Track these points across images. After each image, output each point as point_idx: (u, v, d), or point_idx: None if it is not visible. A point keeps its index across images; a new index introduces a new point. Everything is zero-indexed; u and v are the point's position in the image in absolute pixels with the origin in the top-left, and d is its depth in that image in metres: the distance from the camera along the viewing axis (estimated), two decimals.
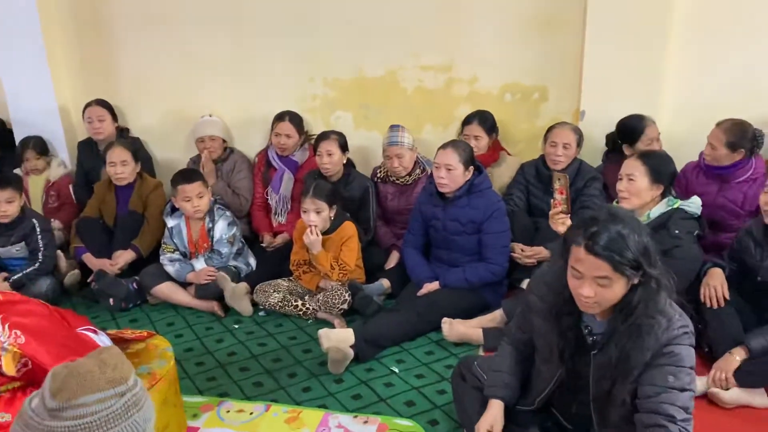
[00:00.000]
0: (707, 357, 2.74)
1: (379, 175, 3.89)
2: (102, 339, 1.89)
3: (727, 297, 2.71)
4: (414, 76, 4.08)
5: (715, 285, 2.73)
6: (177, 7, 4.22)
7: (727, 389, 2.55)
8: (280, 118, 3.99)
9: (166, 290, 3.54)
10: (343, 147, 3.71)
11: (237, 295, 3.41)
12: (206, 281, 3.46)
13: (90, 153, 4.25)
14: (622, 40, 3.61)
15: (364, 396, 2.70)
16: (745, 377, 2.55)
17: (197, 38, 4.24)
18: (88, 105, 4.19)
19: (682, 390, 1.78)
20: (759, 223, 2.77)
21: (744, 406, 2.55)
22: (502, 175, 3.88)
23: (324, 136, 3.72)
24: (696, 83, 3.70)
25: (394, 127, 3.69)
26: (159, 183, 3.94)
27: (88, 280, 3.65)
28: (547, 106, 4.00)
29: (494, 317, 3.11)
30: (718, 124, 3.28)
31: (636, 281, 1.75)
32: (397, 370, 2.88)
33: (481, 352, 2.99)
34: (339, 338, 2.84)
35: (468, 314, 3.15)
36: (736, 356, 2.58)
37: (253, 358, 3.03)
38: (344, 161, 3.73)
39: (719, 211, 3.32)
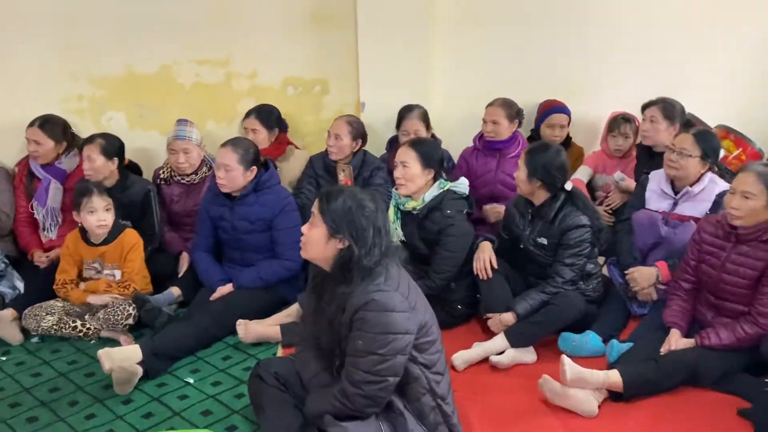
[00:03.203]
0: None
1: (162, 175, 3.67)
2: None
3: (495, 266, 2.98)
4: (190, 71, 3.93)
5: (484, 257, 2.98)
6: None
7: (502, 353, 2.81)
8: (30, 123, 3.59)
9: None
10: (110, 151, 3.41)
11: (1, 322, 3.03)
12: None
13: None
14: (391, 34, 3.80)
15: (157, 413, 2.54)
16: (516, 339, 2.83)
17: None
18: None
19: (369, 353, 1.94)
20: (522, 197, 3.07)
21: (518, 364, 2.82)
22: (291, 169, 3.88)
23: (89, 140, 3.41)
24: (461, 73, 4.01)
25: (181, 122, 3.55)
26: None
27: None
28: (330, 98, 4.08)
29: (290, 312, 3.10)
30: (491, 104, 3.65)
31: (341, 245, 1.99)
32: (192, 381, 2.75)
33: (279, 350, 2.97)
34: (123, 356, 2.65)
35: (265, 313, 3.12)
36: (506, 320, 2.86)
37: (26, 391, 2.70)
38: (113, 166, 3.44)
39: (499, 186, 3.65)
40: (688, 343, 2.61)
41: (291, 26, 3.90)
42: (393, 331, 1.93)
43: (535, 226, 2.98)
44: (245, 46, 3.93)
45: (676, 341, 2.63)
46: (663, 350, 2.62)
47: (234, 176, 3.09)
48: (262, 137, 3.79)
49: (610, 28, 3.97)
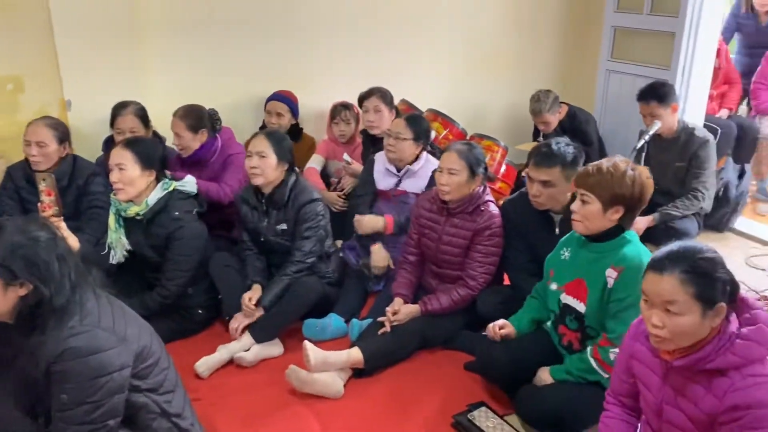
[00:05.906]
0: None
1: None
2: None
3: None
4: None
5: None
6: None
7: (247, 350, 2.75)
8: None
9: None
10: None
11: None
12: None
13: None
14: (92, 26, 3.49)
15: None
16: (260, 333, 2.79)
17: None
18: None
19: (79, 404, 1.69)
20: (248, 189, 3.02)
21: (265, 359, 2.78)
22: None
23: None
24: (181, 71, 3.86)
25: None
26: None
27: None
28: (27, 97, 3.57)
29: None
30: (174, 114, 3.38)
31: (23, 291, 1.68)
32: None
33: None
34: None
35: None
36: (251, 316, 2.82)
37: None
38: None
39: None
40: (413, 308, 2.81)
41: None
42: (104, 372, 1.69)
43: (271, 214, 2.97)
44: None
45: (400, 306, 2.81)
46: (389, 312, 2.77)
47: None
48: None
49: (328, 25, 4.21)
